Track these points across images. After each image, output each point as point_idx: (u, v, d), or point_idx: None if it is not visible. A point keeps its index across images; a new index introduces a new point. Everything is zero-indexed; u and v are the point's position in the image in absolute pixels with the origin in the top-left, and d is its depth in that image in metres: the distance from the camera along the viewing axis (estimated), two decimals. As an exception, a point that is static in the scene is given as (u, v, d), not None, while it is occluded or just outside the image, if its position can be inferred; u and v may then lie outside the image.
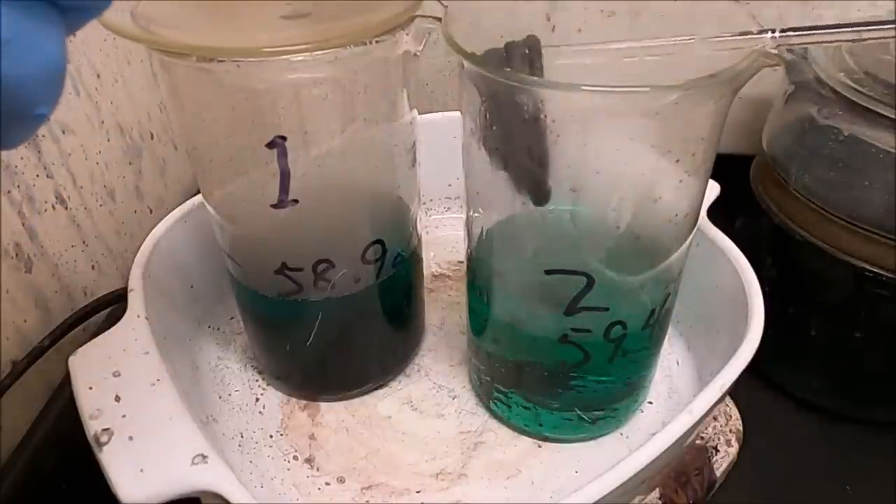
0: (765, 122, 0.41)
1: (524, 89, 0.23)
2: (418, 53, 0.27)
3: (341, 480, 0.31)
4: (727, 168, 0.33)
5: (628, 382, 0.31)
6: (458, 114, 0.27)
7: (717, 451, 0.33)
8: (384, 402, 0.35)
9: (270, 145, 0.26)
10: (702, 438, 0.33)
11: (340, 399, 0.35)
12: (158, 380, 0.27)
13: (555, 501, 0.30)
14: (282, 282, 0.30)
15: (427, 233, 0.46)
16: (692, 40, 0.24)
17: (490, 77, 0.23)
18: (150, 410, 0.26)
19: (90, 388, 0.27)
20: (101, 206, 0.39)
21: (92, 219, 0.38)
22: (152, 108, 0.44)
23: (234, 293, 0.33)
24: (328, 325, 0.32)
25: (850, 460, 0.37)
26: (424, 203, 0.48)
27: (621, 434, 0.33)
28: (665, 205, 0.26)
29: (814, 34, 0.22)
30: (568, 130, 0.24)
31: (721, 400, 0.28)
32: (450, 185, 0.47)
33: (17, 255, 0.32)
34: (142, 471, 0.24)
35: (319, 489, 0.31)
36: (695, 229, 0.28)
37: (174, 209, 0.37)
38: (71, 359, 0.28)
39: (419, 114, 0.30)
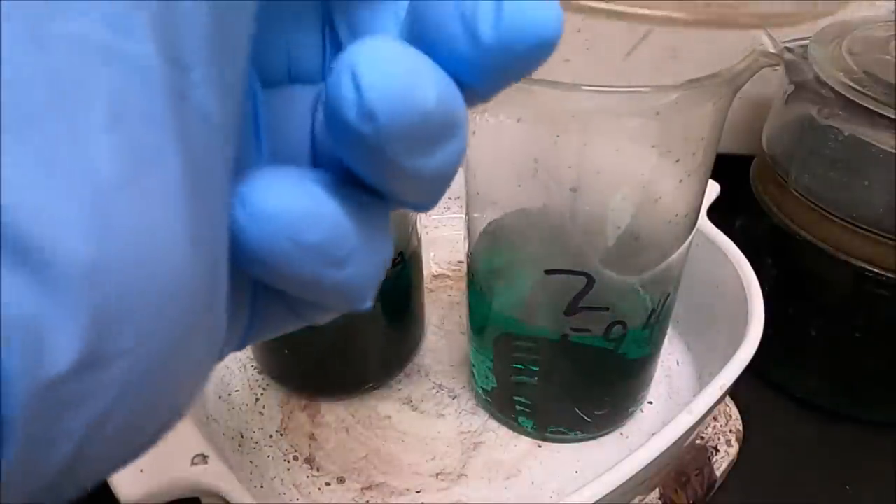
0: (765, 122, 0.41)
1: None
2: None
3: (341, 480, 0.31)
4: (727, 168, 0.33)
5: (628, 382, 0.31)
6: (458, 114, 0.27)
7: (717, 451, 0.33)
8: (384, 402, 0.35)
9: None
10: (702, 438, 0.33)
11: (340, 399, 0.35)
12: (158, 380, 0.27)
13: (555, 501, 0.30)
14: (282, 282, 0.30)
15: (427, 233, 0.46)
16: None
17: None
18: (150, 410, 0.26)
19: (90, 388, 0.27)
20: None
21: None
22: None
23: (234, 293, 0.33)
24: (327, 325, 0.31)
25: (850, 460, 0.37)
26: (424, 203, 0.47)
27: (621, 434, 0.33)
28: (665, 205, 0.26)
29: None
30: (568, 130, 0.24)
31: (721, 400, 0.28)
32: (450, 185, 0.47)
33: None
34: (142, 471, 0.24)
35: (319, 489, 0.31)
36: (695, 229, 0.28)
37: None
38: (71, 359, 0.28)
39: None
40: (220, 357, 0.11)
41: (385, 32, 0.12)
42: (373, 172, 0.11)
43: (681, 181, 0.25)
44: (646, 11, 0.16)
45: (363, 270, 0.12)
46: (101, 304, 0.08)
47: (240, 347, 0.13)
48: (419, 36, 0.11)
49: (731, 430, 0.34)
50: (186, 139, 0.08)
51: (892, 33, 0.38)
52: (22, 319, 0.07)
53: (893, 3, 0.41)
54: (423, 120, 0.10)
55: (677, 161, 0.25)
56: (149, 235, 0.08)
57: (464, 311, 0.34)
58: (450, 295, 0.42)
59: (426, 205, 0.13)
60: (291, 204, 0.10)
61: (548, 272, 0.27)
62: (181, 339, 0.09)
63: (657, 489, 0.30)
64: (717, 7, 0.17)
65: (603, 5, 0.16)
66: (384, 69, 0.09)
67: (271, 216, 0.10)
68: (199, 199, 0.09)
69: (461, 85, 0.11)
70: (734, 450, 0.34)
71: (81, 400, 0.08)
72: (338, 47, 0.13)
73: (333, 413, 0.34)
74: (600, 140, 0.24)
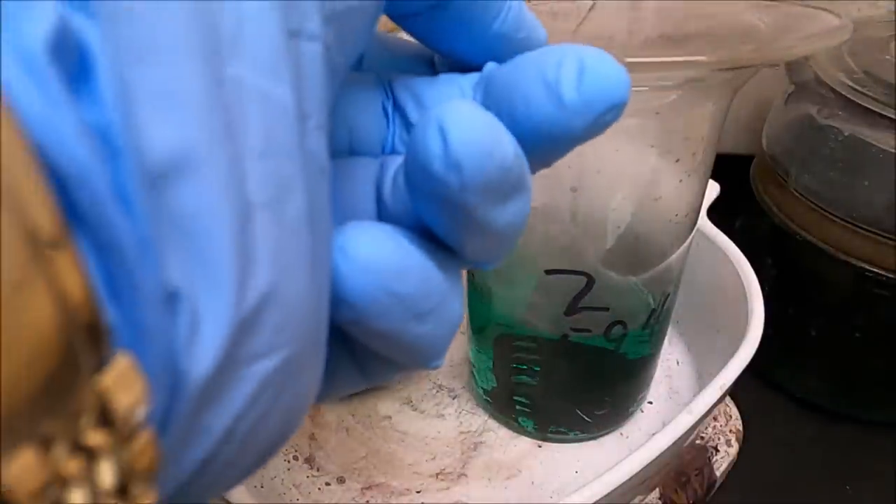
0: (765, 122, 0.41)
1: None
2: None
3: (341, 480, 0.31)
4: (727, 168, 0.33)
5: (628, 382, 0.31)
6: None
7: (717, 451, 0.33)
8: (384, 402, 0.35)
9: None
10: (702, 438, 0.33)
11: (340, 399, 0.35)
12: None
13: (555, 501, 0.30)
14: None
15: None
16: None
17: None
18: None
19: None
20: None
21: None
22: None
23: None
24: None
25: (850, 460, 0.37)
26: (424, 203, 0.47)
27: (621, 434, 0.33)
28: (665, 205, 0.26)
29: None
30: (568, 130, 0.24)
31: (721, 400, 0.28)
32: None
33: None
34: (142, 471, 0.24)
35: (319, 489, 0.31)
36: (695, 229, 0.28)
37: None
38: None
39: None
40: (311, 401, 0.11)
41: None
42: (449, 224, 0.11)
43: (681, 181, 0.25)
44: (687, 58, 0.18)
45: (440, 327, 0.12)
46: (245, 307, 0.09)
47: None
48: (495, 106, 0.12)
49: (731, 430, 0.34)
50: (307, 177, 0.10)
51: (892, 33, 0.38)
52: (187, 303, 0.08)
53: (893, 3, 0.41)
54: (502, 173, 0.10)
55: (677, 161, 0.25)
56: (281, 254, 0.09)
57: (464, 311, 0.34)
58: (450, 295, 0.42)
59: (491, 261, 0.13)
60: (388, 255, 0.11)
61: (548, 272, 0.27)
62: (299, 354, 0.10)
63: (657, 489, 0.30)
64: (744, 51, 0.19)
65: (647, 60, 0.18)
66: (470, 125, 0.10)
67: (369, 266, 0.11)
68: (315, 231, 0.10)
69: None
70: (734, 450, 0.34)
71: (224, 395, 0.09)
72: (404, 121, 0.14)
73: (333, 413, 0.35)
74: (600, 140, 0.24)
